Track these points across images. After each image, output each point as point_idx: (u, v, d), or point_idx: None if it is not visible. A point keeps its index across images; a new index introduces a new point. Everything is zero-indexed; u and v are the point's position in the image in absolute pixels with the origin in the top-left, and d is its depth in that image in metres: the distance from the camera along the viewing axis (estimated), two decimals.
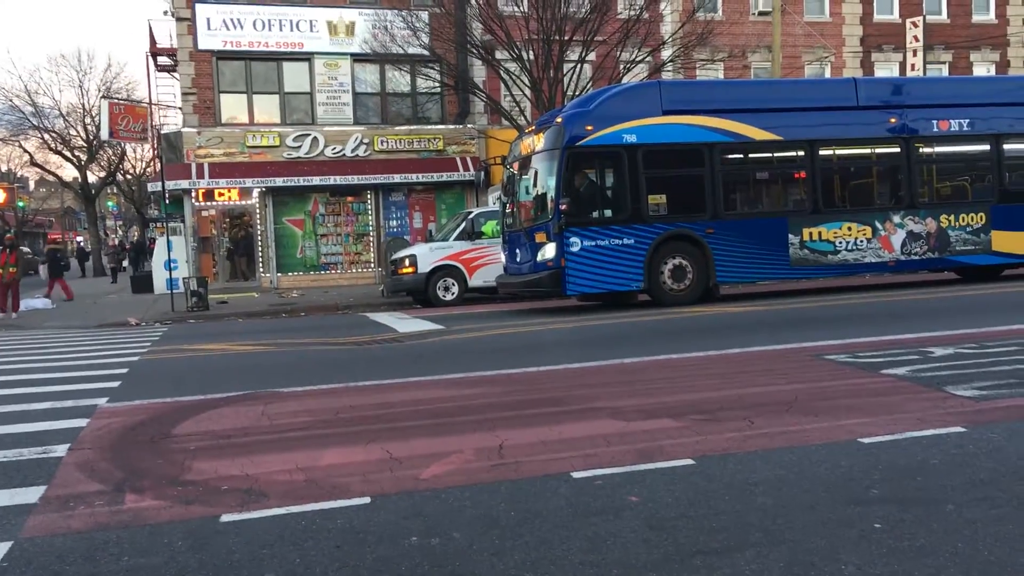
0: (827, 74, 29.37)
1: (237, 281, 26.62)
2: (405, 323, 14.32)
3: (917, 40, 29.13)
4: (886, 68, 29.95)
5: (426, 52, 24.26)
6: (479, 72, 25.97)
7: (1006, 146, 16.15)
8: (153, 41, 29.39)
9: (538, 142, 14.82)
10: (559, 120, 14.57)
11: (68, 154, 44.26)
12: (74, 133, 43.63)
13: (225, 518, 4.20)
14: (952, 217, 15.72)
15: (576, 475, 4.64)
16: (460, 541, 3.76)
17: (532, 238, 14.76)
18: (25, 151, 46.58)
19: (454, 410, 6.63)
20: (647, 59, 24.26)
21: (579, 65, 22.81)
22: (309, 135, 26.05)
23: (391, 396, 7.49)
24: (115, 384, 8.73)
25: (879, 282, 17.17)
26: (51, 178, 53.31)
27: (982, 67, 30.89)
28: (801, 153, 15.48)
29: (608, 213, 14.68)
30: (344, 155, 26.22)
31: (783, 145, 15.53)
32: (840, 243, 15.26)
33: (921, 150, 15.91)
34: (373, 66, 26.51)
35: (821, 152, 15.44)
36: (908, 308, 12.89)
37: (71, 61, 66.29)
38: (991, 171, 16.25)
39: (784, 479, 4.45)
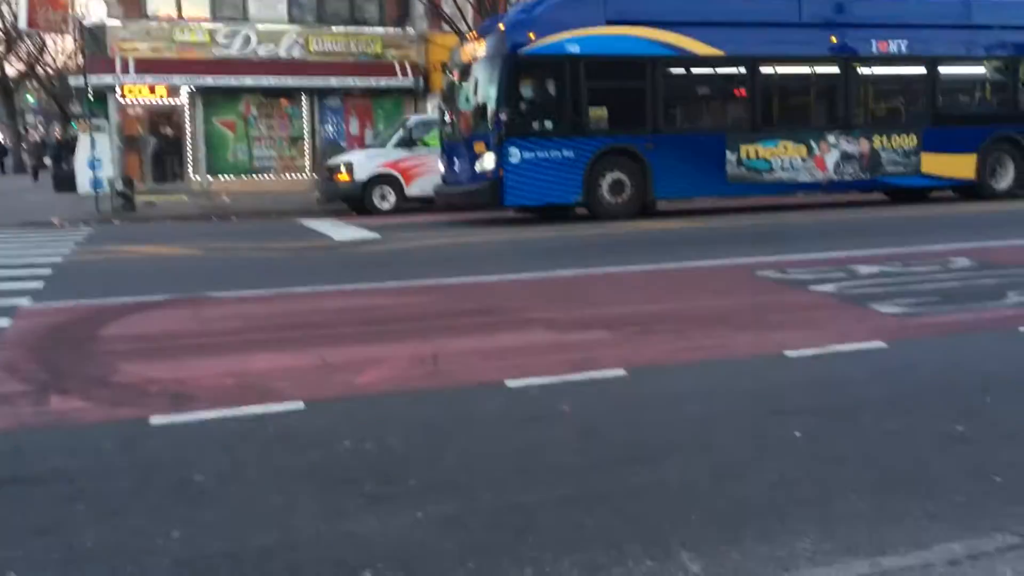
0: None
1: (166, 183, 25.85)
2: (341, 231, 14.14)
3: None
4: None
5: None
6: None
7: (941, 69, 16.33)
8: None
9: (479, 49, 14.49)
10: (501, 27, 14.25)
11: None
12: None
13: (154, 420, 4.15)
14: (885, 139, 15.94)
15: (510, 383, 4.68)
16: (394, 446, 3.79)
17: (471, 148, 14.55)
18: None
19: (389, 318, 6.61)
20: None
21: None
22: (241, 32, 25.03)
23: (325, 303, 7.44)
24: (38, 285, 8.47)
25: (811, 201, 17.46)
26: None
27: None
28: (742, 70, 15.46)
29: (548, 124, 14.43)
30: (278, 56, 25.32)
31: (725, 61, 15.45)
32: (776, 162, 15.39)
33: (859, 71, 16.01)
34: None
35: (761, 69, 15.43)
36: (838, 227, 13.17)
37: None
38: (925, 93, 16.45)
39: (712, 390, 4.56)
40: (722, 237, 12.10)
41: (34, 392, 4.69)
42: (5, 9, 40.14)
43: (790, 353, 5.21)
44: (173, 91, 25.03)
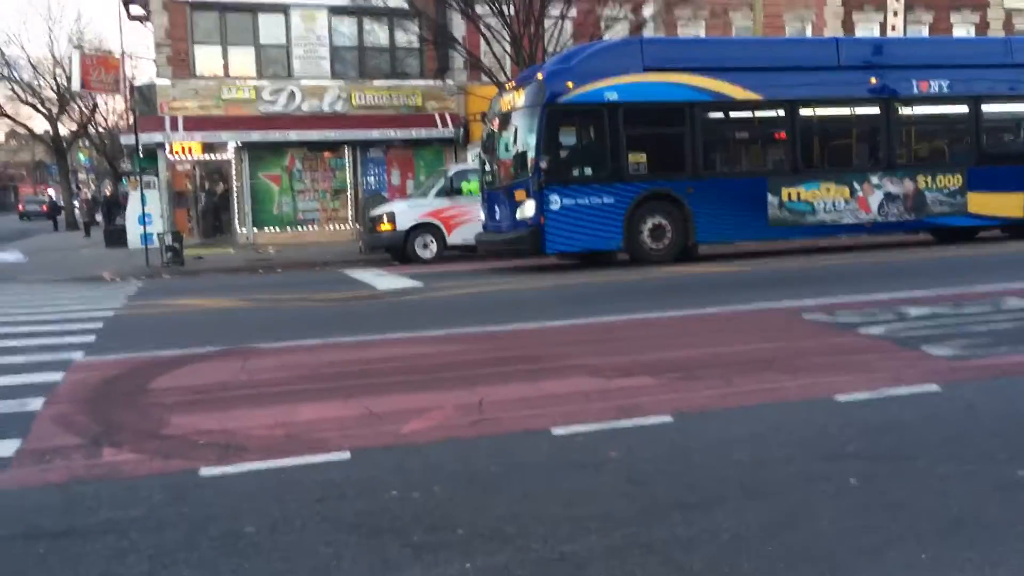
0: (808, 34, 29.24)
1: (213, 236, 26.36)
2: (384, 280, 14.27)
3: (898, 1, 29.04)
4: (867, 28, 29.85)
5: (405, 5, 23.87)
6: (459, 27, 25.60)
7: (984, 108, 16.14)
8: None
9: (519, 98, 14.66)
10: (540, 76, 14.41)
11: (39, 105, 43.40)
12: (44, 84, 42.76)
13: (204, 472, 4.19)
14: (929, 179, 15.74)
15: (556, 431, 4.66)
16: (440, 495, 3.78)
17: (512, 196, 14.66)
18: None
19: (434, 367, 6.63)
20: (628, 16, 24.03)
21: (560, 21, 22.55)
22: (286, 89, 25.64)
23: (370, 352, 7.48)
24: (91, 339, 8.65)
25: (857, 243, 17.26)
26: (22, 130, 52.28)
27: (962, 28, 30.86)
28: (781, 113, 15.44)
29: (588, 171, 14.54)
30: (322, 110, 25.86)
31: (763, 104, 15.46)
32: (818, 204, 15.27)
33: (900, 111, 15.91)
34: (351, 19, 26.07)
35: (801, 112, 15.40)
36: (886, 269, 12.99)
37: (40, 10, 64.73)
38: (969, 133, 16.26)
39: (761, 435, 4.49)
40: (767, 280, 11.99)
41: (87, 445, 4.76)
42: (59, 71, 41.59)
43: (841, 397, 5.13)
44: (220, 147, 25.63)
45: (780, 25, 28.63)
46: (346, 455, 4.37)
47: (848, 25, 29.84)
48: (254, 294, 12.98)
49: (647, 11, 24.81)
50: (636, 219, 14.43)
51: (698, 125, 14.78)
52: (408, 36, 25.74)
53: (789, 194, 15.14)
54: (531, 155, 14.10)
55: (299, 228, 26.41)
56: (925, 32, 30.19)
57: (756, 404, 5.12)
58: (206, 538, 3.38)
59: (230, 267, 18.85)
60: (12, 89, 42.78)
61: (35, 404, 5.72)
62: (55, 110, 43.59)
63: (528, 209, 14.17)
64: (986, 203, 15.98)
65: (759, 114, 15.74)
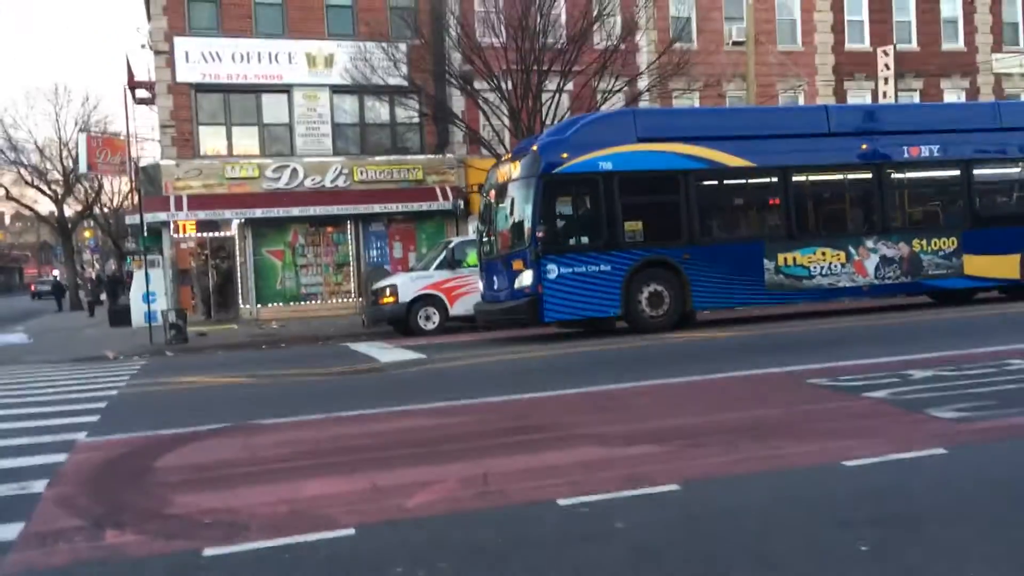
0: (801, 102, 29.76)
1: (217, 313, 26.45)
2: (387, 353, 14.27)
3: (888, 68, 29.59)
4: (858, 95, 30.39)
5: (405, 83, 24.38)
6: (458, 102, 26.10)
7: (976, 171, 16.32)
8: (131, 75, 29.35)
9: (515, 170, 14.85)
10: (535, 148, 14.61)
11: (44, 188, 44.01)
12: (50, 167, 43.44)
13: (208, 552, 4.15)
14: (924, 242, 15.83)
15: (562, 502, 4.62)
16: (446, 571, 3.74)
17: (509, 266, 14.74)
18: (0, 185, 46.27)
19: (438, 439, 6.60)
20: (624, 89, 24.50)
21: (557, 95, 22.99)
22: (288, 166, 26.03)
23: (374, 426, 7.45)
24: (94, 419, 8.62)
25: (856, 306, 17.30)
26: (27, 212, 52.93)
27: (952, 94, 31.40)
28: (774, 179, 15.61)
29: (585, 240, 14.64)
30: (324, 186, 26.21)
31: (757, 172, 15.65)
32: (815, 268, 15.35)
33: (892, 176, 16.09)
34: (352, 97, 26.59)
35: (794, 178, 15.57)
36: (886, 332, 13.00)
37: (47, 94, 66.04)
38: (962, 196, 16.39)
39: (769, 503, 4.46)
40: (767, 346, 11.99)
41: (90, 527, 4.72)
42: (65, 154, 42.27)
43: (847, 463, 5.10)
44: (224, 224, 25.90)
45: (773, 94, 29.16)
46: (351, 531, 4.33)
47: (840, 92, 30.39)
48: (257, 370, 12.97)
49: (642, 83, 25.29)
50: (634, 286, 14.47)
51: (692, 193, 14.93)
52: (408, 112, 26.21)
53: (785, 259, 15.21)
54: (528, 225, 14.21)
55: (302, 303, 26.51)
56: (916, 98, 30.73)
57: (763, 471, 5.09)
58: None
59: (234, 343, 18.87)
60: (18, 172, 43.45)
61: (38, 486, 5.68)
62: (61, 192, 44.20)
63: (526, 278, 14.24)
64: (982, 265, 16.05)
65: (752, 181, 15.91)
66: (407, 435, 6.85)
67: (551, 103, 22.93)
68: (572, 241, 14.65)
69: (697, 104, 28.24)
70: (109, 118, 44.49)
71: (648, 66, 25.53)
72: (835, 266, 15.43)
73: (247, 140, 26.30)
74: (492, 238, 15.73)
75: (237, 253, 26.25)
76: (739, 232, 15.87)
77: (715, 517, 4.28)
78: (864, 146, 15.83)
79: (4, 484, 5.76)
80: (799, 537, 3.92)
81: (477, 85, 23.94)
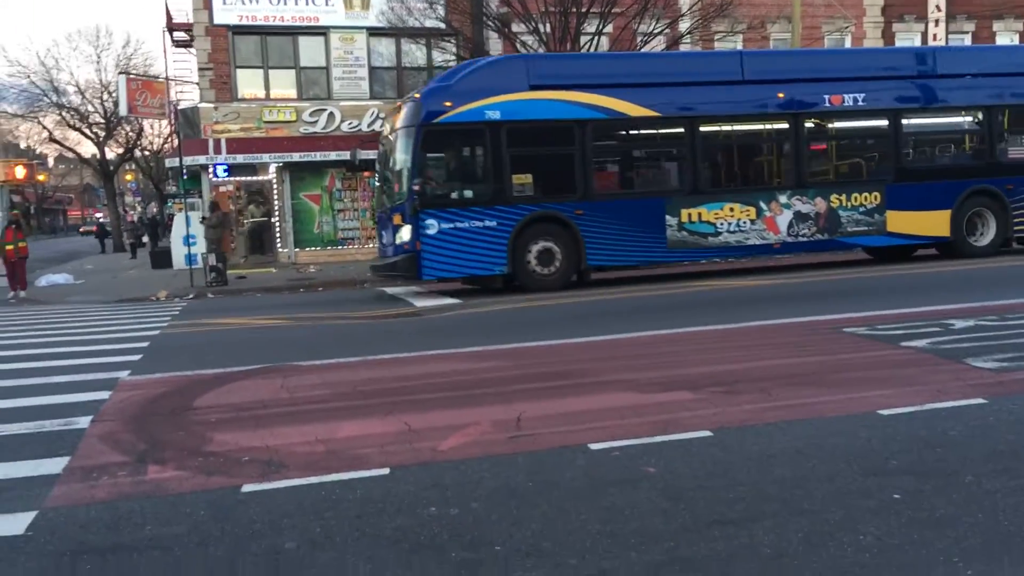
0: (848, 44, 28.96)
1: (255, 256, 26.72)
2: (422, 297, 14.35)
3: (939, 9, 28.64)
4: (907, 38, 29.50)
5: (442, 25, 24.10)
6: (495, 46, 25.77)
7: (905, 121, 15.46)
8: (169, 16, 29.34)
9: (399, 118, 14.15)
10: (417, 95, 14.00)
11: (86, 131, 44.42)
12: (92, 109, 43.77)
13: (246, 488, 4.25)
14: (844, 197, 15.01)
15: (593, 446, 4.65)
16: (478, 511, 3.79)
17: (391, 219, 14.18)
18: (44, 127, 46.81)
19: (471, 383, 6.65)
20: (665, 31, 24.00)
21: (596, 37, 22.59)
22: (326, 110, 25.98)
23: (409, 369, 7.53)
24: (136, 358, 8.81)
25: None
26: (70, 155, 53.57)
27: (1005, 36, 30.35)
28: (680, 130, 14.76)
29: (469, 194, 13.93)
30: (361, 130, 26.15)
31: (661, 121, 14.77)
32: (721, 224, 14.57)
33: (810, 126, 15.23)
34: (389, 40, 26.36)
35: (702, 129, 14.71)
36: (909, 282, 12.77)
37: (88, 37, 66.32)
38: (887, 148, 15.55)
39: (802, 450, 4.44)
40: (802, 294, 11.86)
41: (132, 462, 4.85)
42: (106, 96, 42.57)
43: (883, 411, 5.06)
44: (262, 168, 26.03)
45: (818, 36, 28.41)
46: (385, 471, 4.40)
47: (888, 35, 29.53)
48: (295, 312, 13.13)
49: (683, 25, 24.75)
50: (522, 243, 13.81)
51: (588, 144, 14.15)
52: (445, 55, 25.94)
53: (689, 215, 14.48)
54: (406, 178, 13.59)
55: (339, 247, 26.67)
56: (967, 41, 29.76)
57: (797, 419, 5.06)
58: (249, 554, 3.42)
59: (272, 286, 19.08)
60: (61, 114, 43.86)
61: (83, 422, 5.83)
62: (102, 135, 44.58)
63: (405, 233, 13.68)
64: (907, 221, 15.31)
65: (656, 132, 15.14)
66: (441, 379, 6.91)
67: (590, 46, 22.56)
68: (455, 195, 13.97)
69: (740, 47, 27.61)
70: (148, 61, 44.56)
71: (690, 7, 24.95)
72: (744, 222, 14.72)
73: (284, 83, 26.26)
74: (383, 189, 15.17)
75: (275, 197, 26.40)
76: (639, 186, 15.11)
77: (746, 464, 4.28)
78: (780, 94, 14.96)
79: (50, 420, 5.93)
80: (831, 485, 3.90)
81: (515, 28, 23.59)
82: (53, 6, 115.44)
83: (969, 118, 16.22)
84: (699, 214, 14.54)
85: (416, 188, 13.41)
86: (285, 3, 25.61)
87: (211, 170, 25.15)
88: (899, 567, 3.02)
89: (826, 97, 15.09)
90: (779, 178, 15.29)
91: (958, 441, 4.49)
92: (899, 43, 29.04)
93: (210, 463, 4.76)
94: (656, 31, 23.26)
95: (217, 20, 25.31)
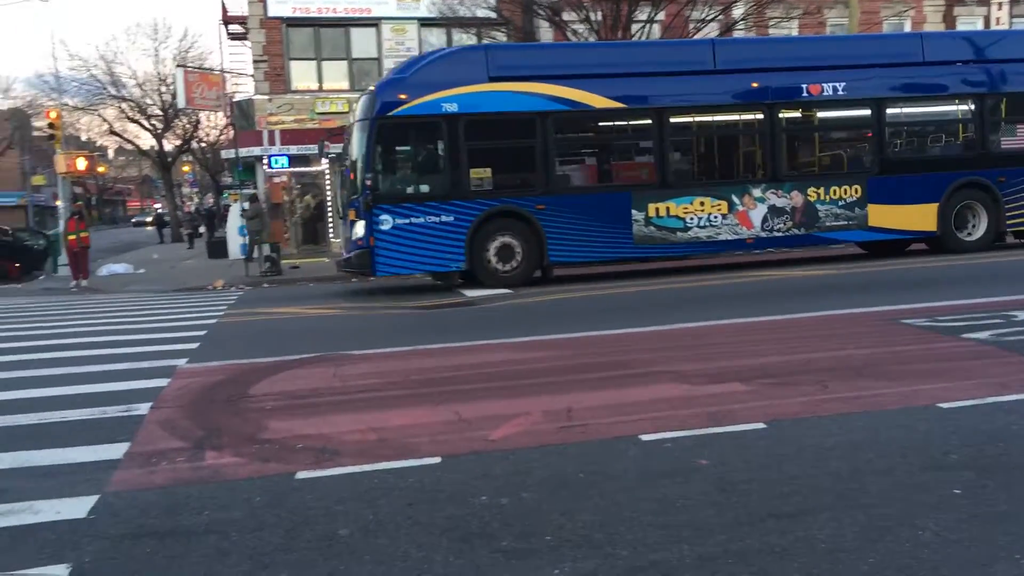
0: (907, 29, 28.27)
1: (309, 245, 27.05)
2: (473, 287, 14.39)
3: None
4: (969, 22, 28.70)
5: (493, 14, 24.09)
6: (546, 34, 25.67)
7: (890, 111, 14.82)
8: (225, 10, 29.81)
9: (357, 111, 13.96)
10: (372, 88, 13.79)
11: (145, 123, 45.37)
12: (150, 102, 44.67)
13: (300, 475, 4.31)
14: (822, 190, 14.44)
15: (644, 438, 4.62)
16: (529, 501, 3.79)
17: (348, 214, 14.02)
18: (104, 120, 47.91)
19: (522, 373, 6.66)
20: (718, 17, 23.67)
21: (648, 25, 22.38)
22: None
23: (459, 359, 7.56)
24: (194, 346, 8.99)
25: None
26: (129, 147, 54.73)
27: None
28: (648, 122, 14.34)
29: (425, 188, 13.63)
30: None
31: (627, 113, 14.41)
32: (691, 219, 14.09)
33: (787, 117, 14.69)
34: (440, 30, 26.43)
35: (671, 121, 14.24)
36: (981, 272, 12.44)
37: (147, 31, 67.65)
38: (870, 139, 14.97)
39: (859, 444, 4.36)
40: (854, 284, 11.64)
41: (190, 448, 4.95)
42: (163, 89, 43.38)
43: (944, 404, 4.95)
44: (315, 159, 26.32)
45: (877, 21, 27.77)
46: (436, 460, 4.43)
47: (949, 19, 28.77)
48: (347, 302, 13.27)
49: (737, 11, 24.39)
50: (480, 239, 13.50)
51: (550, 137, 13.74)
52: None
53: (657, 209, 14.00)
54: (360, 172, 13.34)
55: None
56: None
57: (853, 411, 4.97)
58: (303, 540, 3.47)
59: (324, 276, 19.30)
60: (120, 107, 44.84)
61: (142, 409, 5.97)
62: (160, 127, 45.49)
63: (359, 229, 13.43)
64: (890, 215, 14.69)
65: (622, 123, 14.77)
66: (491, 368, 6.93)
67: (642, 34, 22.35)
68: (410, 190, 13.64)
69: (796, 33, 27.11)
70: (204, 54, 45.35)
71: None
72: (715, 217, 14.19)
73: (336, 75, 26.49)
74: (343, 183, 14.92)
75: (327, 188, 26.67)
76: (604, 180, 14.71)
77: (801, 457, 4.21)
78: (755, 84, 14.39)
79: (112, 406, 6.07)
80: (888, 479, 3.83)
81: (565, 16, 23.46)
82: (111, 1, 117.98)
83: (958, 107, 15.47)
84: (667, 208, 14.06)
85: (369, 183, 13.15)
86: None
87: (265, 161, 25.50)
88: (959, 563, 2.95)
89: (804, 86, 14.52)
90: (753, 171, 14.78)
91: (1021, 435, 4.37)
92: (959, 27, 28.26)
93: (265, 450, 4.84)
94: (709, 18, 22.96)
95: (271, 13, 25.62)
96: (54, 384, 7.00)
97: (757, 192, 14.35)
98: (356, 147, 13.65)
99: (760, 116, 14.63)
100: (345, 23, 26.14)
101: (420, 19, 26.14)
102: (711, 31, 23.59)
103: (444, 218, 13.41)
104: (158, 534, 3.63)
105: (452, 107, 13.34)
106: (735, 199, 14.28)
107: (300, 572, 3.18)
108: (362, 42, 26.46)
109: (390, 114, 13.22)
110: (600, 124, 14.80)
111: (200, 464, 4.65)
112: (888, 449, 4.25)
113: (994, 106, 15.36)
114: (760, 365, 6.40)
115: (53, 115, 25.70)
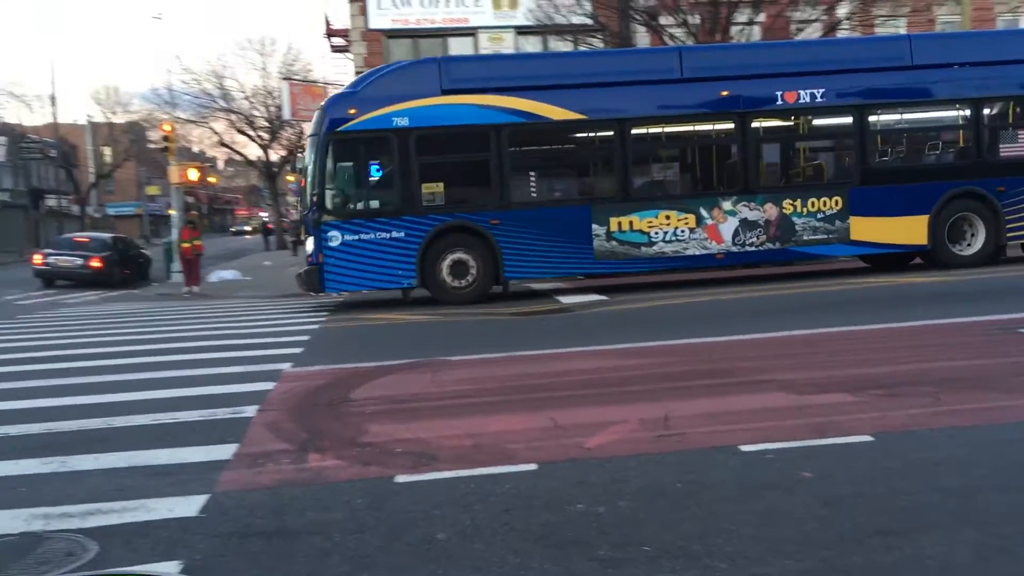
0: (1022, 25, 26.95)
1: None
2: (569, 294, 14.38)
3: None
4: None
5: (589, 21, 24.06)
6: (643, 39, 25.50)
7: (872, 118, 13.87)
8: (328, 24, 30.67)
9: (311, 126, 13.71)
10: (323, 103, 13.54)
11: (252, 134, 46.98)
12: (257, 114, 46.22)
13: (399, 479, 4.39)
14: (799, 202, 13.63)
15: (745, 448, 4.53)
16: (626, 510, 3.77)
17: (302, 230, 13.70)
18: (214, 132, 49.82)
19: (619, 380, 6.62)
20: (822, 17, 23.06)
21: (748, 27, 21.99)
22: None
23: (555, 365, 7.56)
24: (298, 350, 9.25)
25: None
26: (237, 157, 56.74)
27: None
28: (609, 133, 13.72)
29: (375, 204, 13.47)
30: None
31: (587, 125, 13.85)
32: (656, 234, 13.49)
33: (760, 126, 13.92)
34: (536, 38, 26.55)
35: (633, 132, 13.64)
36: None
37: (256, 46, 70.05)
38: (851, 148, 14.02)
39: (974, 459, 4.18)
40: (966, 293, 11.13)
41: (295, 451, 5.10)
42: (269, 101, 44.85)
43: None
44: None
45: (990, 18, 26.61)
46: (532, 467, 4.44)
47: None
48: (442, 308, 13.43)
49: (841, 11, 23.71)
50: (432, 255, 13.21)
51: (504, 151, 13.32)
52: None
53: (619, 224, 13.45)
54: (310, 189, 13.25)
55: None
56: None
57: (967, 425, 4.77)
58: (402, 543, 3.53)
59: None
60: (229, 120, 46.58)
61: (249, 411, 6.18)
62: (267, 138, 47.04)
63: (309, 245, 13.36)
64: (874, 228, 13.72)
65: (582, 135, 14.17)
66: (588, 375, 6.91)
67: (741, 36, 21.97)
68: (360, 205, 13.51)
69: (903, 31, 26.18)
70: (308, 67, 46.66)
71: None
72: (682, 231, 13.51)
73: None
74: (300, 199, 14.68)
75: None
76: (562, 194, 14.29)
77: (911, 471, 4.06)
78: (725, 92, 13.61)
79: (221, 408, 6.31)
80: (1004, 496, 3.65)
81: (663, 20, 23.25)
82: (225, 18, 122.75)
83: (951, 113, 14.47)
84: (630, 223, 13.51)
85: (315, 199, 13.07)
86: (436, 5, 26.26)
87: None
88: None
89: (778, 94, 13.70)
90: (723, 183, 14.08)
91: None
92: None
93: (366, 453, 4.94)
94: (812, 18, 22.39)
95: (372, 25, 26.24)
96: (169, 386, 7.30)
97: (727, 205, 13.69)
98: (309, 163, 13.61)
99: (731, 126, 13.97)
100: (443, 33, 26.55)
101: (517, 27, 26.33)
102: (814, 32, 23.02)
103: (395, 234, 13.21)
104: (265, 534, 3.75)
105: (403, 121, 13.14)
106: (703, 212, 13.65)
107: (399, 575, 3.23)
108: (460, 51, 26.79)
109: (339, 129, 13.09)
110: (558, 136, 14.41)
111: (304, 466, 4.78)
112: (1004, 465, 4.06)
113: (991, 112, 14.41)
114: (869, 375, 6.20)
115: (167, 128, 26.84)
